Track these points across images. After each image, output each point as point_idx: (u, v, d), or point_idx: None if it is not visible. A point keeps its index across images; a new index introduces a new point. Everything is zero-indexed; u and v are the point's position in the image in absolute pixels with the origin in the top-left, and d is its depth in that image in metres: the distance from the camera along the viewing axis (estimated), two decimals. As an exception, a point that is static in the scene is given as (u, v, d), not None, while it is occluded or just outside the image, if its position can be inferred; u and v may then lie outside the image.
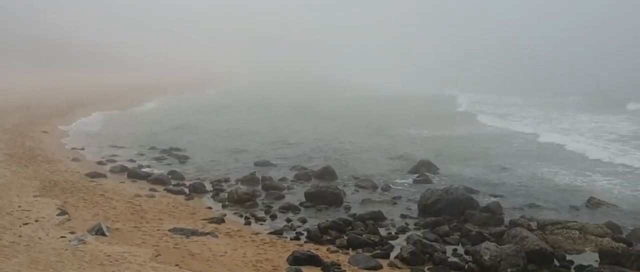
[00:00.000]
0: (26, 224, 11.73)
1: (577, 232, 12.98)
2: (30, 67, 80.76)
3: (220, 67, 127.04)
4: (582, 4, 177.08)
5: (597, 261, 11.91)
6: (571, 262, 11.86)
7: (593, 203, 16.38)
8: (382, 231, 13.73)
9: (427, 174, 20.44)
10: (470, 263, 11.55)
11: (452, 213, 15.05)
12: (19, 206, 13.10)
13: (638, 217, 15.23)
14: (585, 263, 11.73)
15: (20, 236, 10.78)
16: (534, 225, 13.97)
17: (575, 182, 19.80)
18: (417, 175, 20.43)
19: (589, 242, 12.71)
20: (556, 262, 11.78)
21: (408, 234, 13.46)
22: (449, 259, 11.82)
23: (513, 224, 13.99)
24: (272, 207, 15.89)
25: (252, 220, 14.64)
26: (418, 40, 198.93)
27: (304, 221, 14.61)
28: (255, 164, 22.43)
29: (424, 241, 12.31)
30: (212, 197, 17.09)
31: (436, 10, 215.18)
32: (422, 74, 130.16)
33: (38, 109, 35.69)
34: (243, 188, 17.30)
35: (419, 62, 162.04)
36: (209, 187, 18.25)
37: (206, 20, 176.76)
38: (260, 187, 18.27)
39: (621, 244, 12.29)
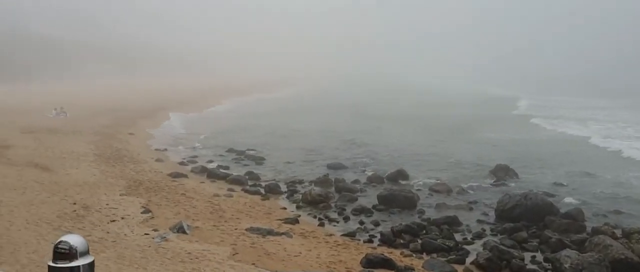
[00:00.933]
0: (113, 221, 12.42)
1: (667, 242, 12.29)
2: (117, 72, 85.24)
3: (291, 70, 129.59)
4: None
5: (689, 273, 11.22)
6: (661, 273, 11.23)
7: (686, 212, 15.43)
8: (458, 236, 13.52)
9: (505, 178, 19.93)
10: (549, 271, 11.18)
11: (531, 219, 14.60)
12: (107, 204, 13.88)
13: None
14: (676, 275, 11.09)
15: (107, 232, 11.44)
16: (618, 233, 13.33)
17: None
18: (494, 179, 19.96)
19: (681, 253, 11.97)
20: (644, 273, 11.20)
21: (484, 239, 13.19)
22: (527, 267, 11.47)
23: (596, 231, 13.39)
24: (345, 209, 16.00)
25: (326, 221, 14.81)
26: (466, 37, 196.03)
27: (377, 224, 14.62)
28: (328, 166, 22.65)
29: (501, 247, 12.01)
30: (287, 197, 17.43)
31: (485, 7, 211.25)
32: (475, 72, 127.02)
33: (124, 112, 37.59)
34: (316, 190, 17.51)
35: (468, 59, 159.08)
36: (283, 188, 18.61)
37: (278, 25, 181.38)
38: (333, 189, 18.43)
39: None
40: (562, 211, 15.26)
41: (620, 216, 15.38)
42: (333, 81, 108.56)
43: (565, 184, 19.42)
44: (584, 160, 24.42)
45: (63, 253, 1.40)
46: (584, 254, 11.17)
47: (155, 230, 11.91)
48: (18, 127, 26.61)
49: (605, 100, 59.91)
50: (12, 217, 11.81)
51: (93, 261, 1.40)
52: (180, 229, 11.96)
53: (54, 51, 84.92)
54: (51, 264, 1.35)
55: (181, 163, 22.31)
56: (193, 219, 13.22)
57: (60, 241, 1.40)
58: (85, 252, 1.42)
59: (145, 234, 11.58)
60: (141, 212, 13.33)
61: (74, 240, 1.42)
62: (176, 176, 18.88)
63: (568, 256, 11.02)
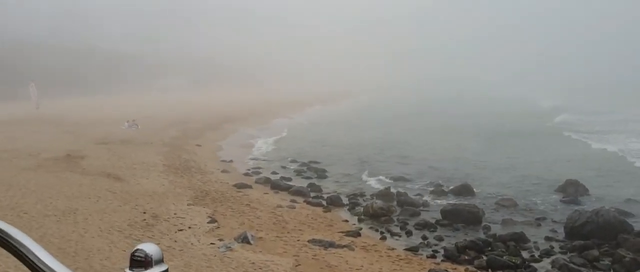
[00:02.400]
0: (181, 230, 12.79)
1: None
2: (185, 86, 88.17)
3: (349, 82, 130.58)
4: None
5: None
6: None
7: None
8: (525, 253, 13.10)
9: (575, 194, 19.17)
10: (623, 292, 10.68)
11: (603, 237, 13.96)
12: (175, 214, 14.32)
13: None
14: None
15: (175, 241, 11.80)
16: (700, 254, 12.56)
17: None
18: (563, 195, 19.25)
19: None
20: None
21: (553, 257, 12.73)
22: (599, 287, 11.00)
23: (675, 252, 12.68)
24: (407, 223, 15.84)
25: (388, 235, 14.72)
26: (518, 40, 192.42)
27: (440, 239, 14.39)
28: (390, 178, 22.54)
29: (571, 265, 11.58)
30: (349, 210, 17.43)
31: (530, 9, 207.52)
32: (524, 77, 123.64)
33: (192, 123, 38.74)
34: (378, 203, 17.41)
35: (519, 63, 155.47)
36: (345, 200, 18.63)
37: (334, 37, 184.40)
38: (395, 202, 18.29)
39: None
40: (637, 228, 14.52)
41: (702, 236, 14.47)
42: (389, 92, 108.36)
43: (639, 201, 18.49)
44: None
45: (139, 261, 1.49)
46: (661, 276, 10.62)
47: (220, 240, 12.19)
48: (92, 139, 27.92)
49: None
50: (87, 225, 12.39)
51: (167, 269, 1.48)
52: (244, 239, 12.19)
53: (127, 66, 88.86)
54: (128, 271, 1.43)
55: (246, 174, 22.76)
56: (257, 230, 13.44)
57: (137, 249, 1.49)
58: (160, 261, 1.50)
59: (211, 243, 11.86)
60: (207, 222, 13.65)
61: (150, 248, 1.50)
62: (241, 186, 19.27)
63: (644, 277, 10.51)
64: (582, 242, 13.63)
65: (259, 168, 24.47)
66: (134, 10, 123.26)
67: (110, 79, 79.33)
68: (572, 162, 26.69)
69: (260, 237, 12.73)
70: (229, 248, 11.55)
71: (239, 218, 14.60)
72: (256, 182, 21.05)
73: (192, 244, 11.73)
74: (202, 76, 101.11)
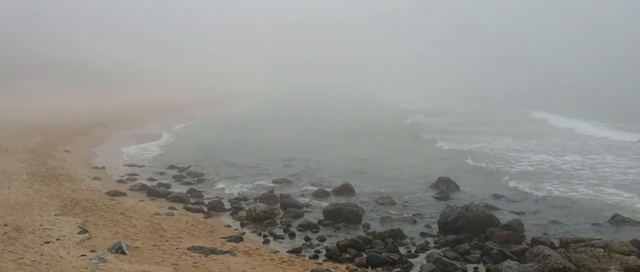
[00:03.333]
0: (48, 242, 11.84)
1: (601, 250, 12.64)
2: (52, 88, 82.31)
3: (245, 84, 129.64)
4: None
5: (622, 279, 11.62)
6: (596, 281, 11.58)
7: (617, 220, 16.02)
8: (402, 249, 13.58)
9: (447, 191, 20.26)
10: (492, 282, 11.34)
11: (473, 231, 14.85)
12: (41, 225, 13.23)
13: (664, 235, 14.85)
14: (610, 282, 11.46)
15: (41, 255, 10.88)
16: (556, 243, 13.69)
17: (598, 199, 19.39)
18: (436, 192, 20.27)
19: (614, 260, 12.37)
20: (580, 281, 11.51)
21: (428, 252, 13.31)
22: (470, 278, 11.61)
23: (535, 241, 13.71)
24: (291, 225, 15.84)
25: (271, 238, 14.61)
26: (437, 54, 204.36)
27: (322, 239, 14.52)
28: (274, 181, 22.48)
29: (444, 259, 12.14)
30: (231, 215, 17.10)
31: (457, 25, 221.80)
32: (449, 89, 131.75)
33: (60, 128, 36.23)
34: (261, 206, 17.20)
35: (439, 77, 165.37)
36: (227, 205, 18.27)
37: (233, 40, 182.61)
38: (278, 205, 18.23)
39: (647, 263, 11.99)
40: (503, 222, 15.58)
41: (558, 225, 15.84)
42: (290, 97, 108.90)
43: (506, 194, 19.89)
44: (525, 171, 25.10)
45: None
46: (524, 265, 11.43)
47: (92, 251, 11.44)
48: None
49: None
50: None
51: None
52: (118, 250, 11.53)
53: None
54: None
55: (120, 181, 21.63)
56: (132, 239, 12.77)
57: None
58: None
59: (82, 255, 11.09)
60: (78, 233, 12.78)
61: None
62: (114, 194, 18.28)
63: (509, 266, 11.25)
64: (454, 236, 14.37)
65: (135, 174, 23.36)
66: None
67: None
68: (434, 161, 28.19)
69: (136, 247, 12.10)
70: (101, 259, 10.83)
71: (113, 227, 13.79)
72: (131, 189, 20.07)
73: (60, 256, 10.87)
74: (72, 79, 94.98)
